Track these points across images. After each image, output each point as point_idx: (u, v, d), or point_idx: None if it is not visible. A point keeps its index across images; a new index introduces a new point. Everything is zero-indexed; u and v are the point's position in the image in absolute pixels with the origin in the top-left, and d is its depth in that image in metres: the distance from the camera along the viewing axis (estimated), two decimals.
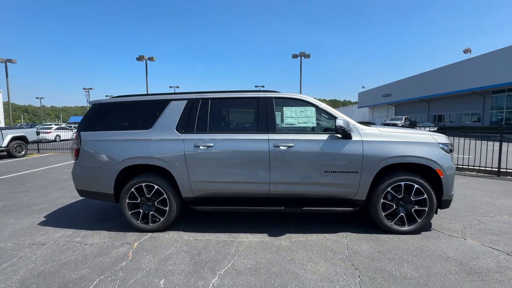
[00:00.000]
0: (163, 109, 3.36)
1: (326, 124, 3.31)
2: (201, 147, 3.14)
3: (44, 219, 3.83)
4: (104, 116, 3.47)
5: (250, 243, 2.96)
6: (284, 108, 3.32)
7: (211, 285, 2.22)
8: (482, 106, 26.12)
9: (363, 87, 52.78)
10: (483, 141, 8.36)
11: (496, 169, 6.08)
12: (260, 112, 3.23)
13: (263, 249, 2.82)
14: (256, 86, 51.14)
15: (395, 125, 23.81)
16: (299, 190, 3.16)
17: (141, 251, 2.81)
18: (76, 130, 3.50)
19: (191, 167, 3.15)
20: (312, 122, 3.26)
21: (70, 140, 19.83)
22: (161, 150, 3.18)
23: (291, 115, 3.29)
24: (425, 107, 35.02)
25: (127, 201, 3.26)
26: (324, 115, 3.29)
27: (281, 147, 3.08)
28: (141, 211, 3.28)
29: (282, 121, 3.30)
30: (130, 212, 3.28)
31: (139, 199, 3.27)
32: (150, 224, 3.27)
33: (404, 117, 27.71)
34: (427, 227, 3.24)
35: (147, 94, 3.54)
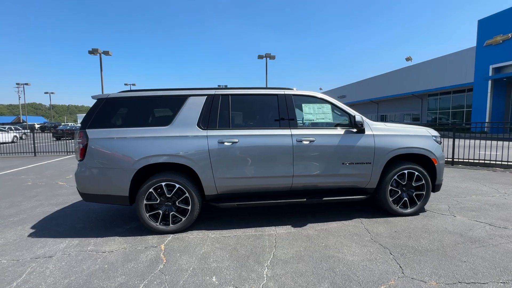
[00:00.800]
0: (181, 105, 3.23)
1: (338, 119, 3.58)
2: (226, 143, 3.12)
3: (32, 230, 3.34)
4: (112, 112, 3.19)
5: (280, 235, 3.05)
6: (303, 105, 3.50)
7: (265, 275, 2.26)
8: (420, 107, 30.24)
9: (320, 88, 56.35)
10: None
11: (451, 160, 7.23)
12: (281, 109, 3.34)
13: (294, 239, 2.95)
14: (219, 85, 50.62)
15: None
16: (319, 182, 3.37)
17: (173, 253, 2.68)
18: (79, 128, 3.13)
19: (215, 164, 3.11)
20: (329, 118, 3.50)
21: (6, 143, 16.98)
22: (184, 147, 3.06)
23: (309, 111, 3.48)
24: (374, 108, 39.00)
25: (145, 202, 3.06)
26: (336, 111, 3.55)
27: (304, 142, 3.24)
28: (161, 212, 3.11)
29: (301, 117, 3.46)
30: (148, 214, 3.08)
31: (158, 200, 3.10)
32: (171, 225, 3.12)
33: None
34: (422, 208, 3.74)
35: (159, 89, 3.34)
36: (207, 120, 3.20)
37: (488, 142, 9.73)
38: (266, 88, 3.47)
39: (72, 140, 18.49)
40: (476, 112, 20.79)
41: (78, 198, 4.74)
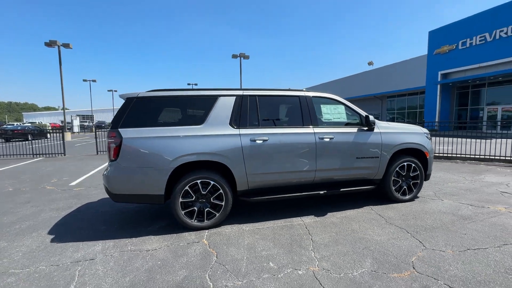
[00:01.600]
0: (212, 104, 3.34)
1: (349, 119, 4.00)
2: (257, 141, 3.32)
3: (52, 236, 3.16)
4: (143, 111, 3.18)
5: (308, 224, 3.36)
6: (321, 106, 3.85)
7: (314, 257, 2.54)
8: (381, 107, 33.15)
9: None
10: None
11: None
12: (303, 109, 3.65)
13: (323, 226, 3.28)
14: (188, 84, 49.21)
15: None
16: (336, 175, 3.75)
17: (219, 246, 2.82)
18: (110, 127, 3.06)
19: (248, 161, 3.29)
20: (343, 118, 3.90)
21: None
22: (219, 145, 3.19)
23: (327, 112, 3.84)
24: None
25: (180, 200, 3.12)
26: (348, 111, 3.98)
27: (325, 139, 3.59)
28: (196, 209, 3.20)
29: (320, 116, 3.80)
30: (183, 212, 3.15)
31: (194, 197, 3.18)
32: (205, 221, 3.23)
33: None
34: (416, 195, 4.36)
35: (187, 89, 3.40)
36: (238, 119, 3.36)
37: (437, 138, 11.19)
38: (287, 89, 3.74)
39: (26, 142, 16.64)
40: (427, 112, 23.57)
41: (81, 202, 4.50)
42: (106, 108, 68.60)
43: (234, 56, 27.13)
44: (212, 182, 3.20)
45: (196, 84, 48.89)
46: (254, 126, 3.40)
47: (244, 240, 2.94)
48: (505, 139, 9.94)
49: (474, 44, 19.21)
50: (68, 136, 21.10)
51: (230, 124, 3.32)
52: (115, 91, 53.07)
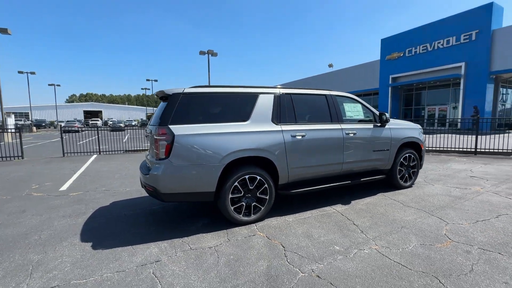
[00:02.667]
0: (254, 102, 3.43)
1: (364, 116, 4.47)
2: (297, 137, 3.53)
3: (88, 243, 2.89)
4: (190, 107, 3.11)
5: (342, 211, 3.69)
6: (344, 104, 4.21)
7: (368, 238, 2.87)
8: None
9: None
10: None
11: None
12: (331, 107, 3.96)
13: (356, 212, 3.65)
14: (147, 80, 46.17)
15: None
16: (358, 166, 4.17)
17: (278, 236, 2.95)
18: (158, 124, 2.91)
19: (289, 155, 3.47)
20: (361, 115, 4.34)
21: None
22: (266, 141, 3.30)
23: (349, 109, 4.22)
24: None
25: (230, 196, 3.16)
26: (363, 110, 4.44)
27: (350, 134, 3.97)
28: (244, 204, 3.26)
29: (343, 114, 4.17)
30: (232, 207, 3.19)
31: (242, 192, 3.24)
32: (252, 215, 3.32)
33: None
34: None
35: (228, 86, 3.42)
36: (279, 116, 3.51)
37: None
38: (314, 89, 4.02)
39: None
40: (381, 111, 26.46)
41: (92, 207, 4.11)
42: (46, 104, 60.19)
43: (202, 53, 26.42)
44: (258, 177, 3.29)
45: (156, 81, 46.22)
46: (292, 123, 3.59)
47: (297, 230, 3.13)
48: (447, 134, 11.81)
49: (418, 52, 22.21)
50: (8, 137, 18.04)
51: (272, 120, 3.45)
52: (58, 85, 46.89)
